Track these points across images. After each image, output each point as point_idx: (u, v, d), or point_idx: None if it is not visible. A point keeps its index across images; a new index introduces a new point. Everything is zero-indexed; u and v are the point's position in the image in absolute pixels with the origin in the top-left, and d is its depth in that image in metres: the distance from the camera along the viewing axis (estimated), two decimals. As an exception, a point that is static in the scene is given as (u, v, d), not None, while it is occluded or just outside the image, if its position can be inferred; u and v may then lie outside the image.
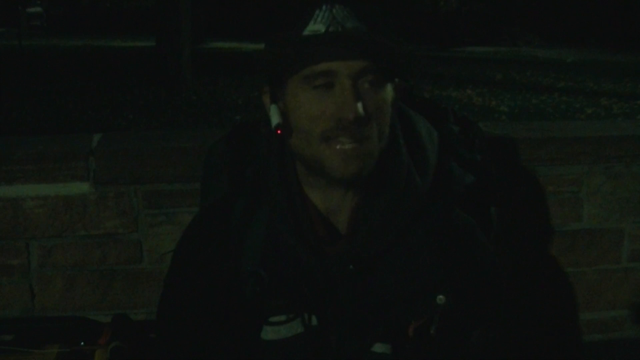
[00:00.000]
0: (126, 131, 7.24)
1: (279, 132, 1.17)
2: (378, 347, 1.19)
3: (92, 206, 1.74)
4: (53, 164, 1.71)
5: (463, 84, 11.69)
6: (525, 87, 11.48)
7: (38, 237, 1.74)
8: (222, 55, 15.99)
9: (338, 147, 1.12)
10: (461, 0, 22.75)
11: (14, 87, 10.31)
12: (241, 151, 1.33)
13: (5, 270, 1.74)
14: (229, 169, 1.33)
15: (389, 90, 1.16)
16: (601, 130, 2.07)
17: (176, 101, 9.60)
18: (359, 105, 1.10)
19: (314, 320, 1.19)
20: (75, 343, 1.62)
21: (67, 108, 8.93)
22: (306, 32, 1.12)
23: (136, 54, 15.17)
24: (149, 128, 7.80)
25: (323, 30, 1.11)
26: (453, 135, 1.39)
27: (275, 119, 1.17)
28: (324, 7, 1.12)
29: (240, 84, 10.99)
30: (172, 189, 1.75)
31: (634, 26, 19.77)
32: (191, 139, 1.83)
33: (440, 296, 1.18)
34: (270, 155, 1.23)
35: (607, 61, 15.73)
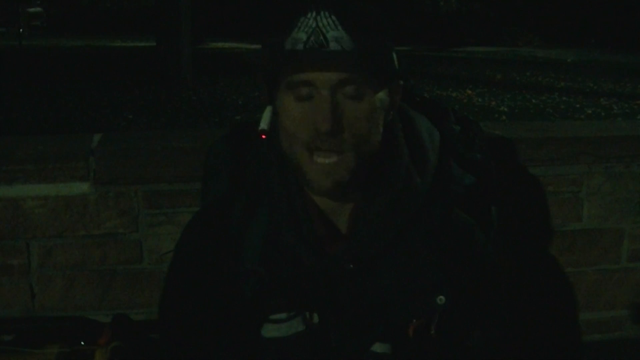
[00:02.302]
0: (126, 131, 7.24)
1: (263, 137, 1.20)
2: (378, 347, 1.19)
3: (92, 206, 1.74)
4: (53, 164, 1.71)
5: (463, 84, 11.69)
6: (525, 87, 11.49)
7: (38, 237, 1.74)
8: (222, 55, 16.00)
9: (318, 160, 1.13)
10: (461, 0, 22.76)
11: (14, 87, 10.31)
12: (241, 150, 1.34)
13: (5, 270, 1.74)
14: (228, 168, 1.33)
15: (378, 98, 1.16)
16: (601, 130, 2.07)
17: (176, 101, 9.60)
18: (335, 116, 1.11)
19: (315, 319, 1.19)
20: (75, 343, 1.62)
21: (67, 108, 8.93)
22: (289, 40, 1.12)
23: (136, 54, 15.18)
24: (149, 128, 7.80)
25: (305, 38, 1.11)
26: (454, 135, 1.39)
27: (262, 123, 1.20)
28: (309, 15, 1.12)
29: (240, 84, 11.00)
30: (172, 189, 1.75)
31: (634, 26, 19.77)
32: (191, 139, 1.83)
33: (441, 296, 1.18)
34: (270, 155, 1.24)
35: (607, 61, 15.74)
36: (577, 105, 9.71)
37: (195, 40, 14.20)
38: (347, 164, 1.13)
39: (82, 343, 1.62)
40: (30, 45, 17.18)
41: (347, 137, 1.12)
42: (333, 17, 1.11)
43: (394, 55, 1.19)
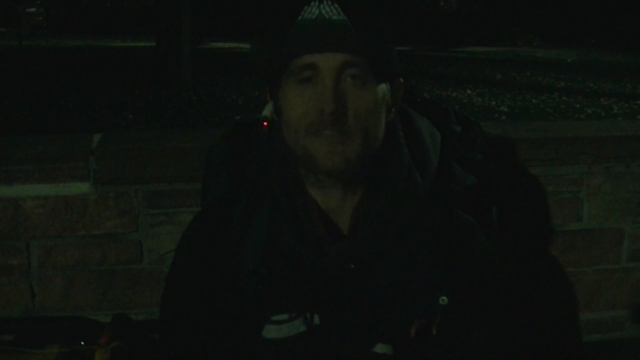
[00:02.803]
0: (126, 131, 7.24)
1: (265, 124, 1.21)
2: (379, 348, 1.19)
3: (92, 206, 1.74)
4: (53, 164, 1.71)
5: (463, 84, 11.70)
6: (525, 87, 11.50)
7: (38, 237, 1.74)
8: (222, 55, 16.00)
9: (323, 139, 1.13)
10: (461, 0, 22.76)
11: (14, 87, 10.31)
12: (241, 150, 1.34)
13: (5, 270, 1.74)
14: (229, 168, 1.33)
15: (379, 89, 1.16)
16: (601, 130, 2.06)
17: (176, 101, 9.61)
18: (338, 98, 1.11)
19: (317, 320, 1.19)
20: (75, 343, 1.62)
21: (67, 108, 8.94)
22: (293, 27, 1.14)
23: (136, 54, 15.18)
24: (149, 128, 7.80)
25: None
26: (454, 136, 1.39)
27: (264, 112, 1.20)
28: (312, 4, 1.14)
29: (240, 84, 11.00)
30: (172, 189, 1.75)
31: (634, 26, 19.78)
32: (191, 139, 1.83)
33: (443, 297, 1.18)
34: (270, 154, 1.24)
35: (607, 61, 15.75)
36: (577, 105, 9.71)
37: (195, 40, 14.20)
38: (353, 145, 1.13)
39: (82, 343, 1.62)
40: (30, 45, 17.18)
41: (351, 120, 1.13)
42: (335, 5, 1.13)
43: (395, 50, 1.19)
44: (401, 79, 1.23)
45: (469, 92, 10.93)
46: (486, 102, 10.01)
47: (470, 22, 21.62)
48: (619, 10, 20.66)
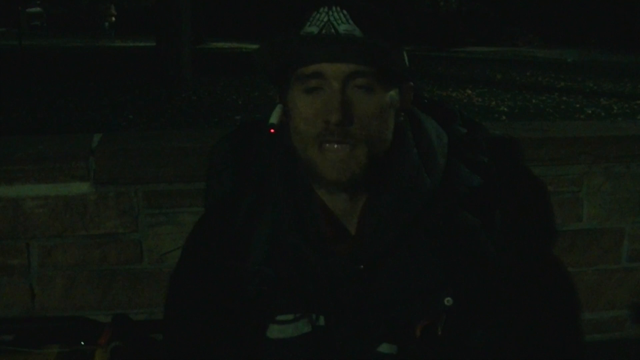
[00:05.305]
0: (126, 131, 7.24)
1: (272, 131, 1.19)
2: (384, 348, 1.19)
3: (92, 206, 1.74)
4: (53, 164, 1.71)
5: (463, 84, 11.71)
6: (525, 87, 11.51)
7: (38, 237, 1.73)
8: (222, 55, 16.00)
9: (330, 154, 1.13)
10: (461, 0, 22.75)
11: (14, 87, 10.31)
12: (244, 150, 1.33)
13: (5, 270, 1.74)
14: (232, 168, 1.33)
15: (388, 94, 1.16)
16: (601, 130, 2.06)
17: (176, 101, 9.61)
18: (345, 108, 1.11)
19: (321, 321, 1.18)
20: (75, 343, 1.62)
21: (67, 108, 8.94)
22: (301, 34, 1.13)
23: (136, 54, 15.18)
24: (149, 128, 7.81)
25: (316, 32, 1.12)
26: (460, 137, 1.39)
27: (272, 118, 1.20)
28: (321, 10, 1.14)
29: (240, 84, 11.01)
30: (172, 189, 1.75)
31: (634, 26, 19.78)
32: (191, 139, 1.83)
33: (448, 298, 1.18)
34: (272, 155, 1.24)
35: (607, 61, 15.76)
36: (577, 105, 9.72)
37: (195, 40, 14.21)
38: (357, 158, 1.13)
39: (82, 343, 1.62)
40: (30, 45, 17.19)
41: (356, 129, 1.12)
42: (344, 12, 1.12)
43: (404, 55, 1.19)
44: (411, 83, 1.23)
45: (469, 92, 10.94)
46: (486, 102, 10.02)
47: (470, 22, 21.62)
48: (619, 10, 20.66)
